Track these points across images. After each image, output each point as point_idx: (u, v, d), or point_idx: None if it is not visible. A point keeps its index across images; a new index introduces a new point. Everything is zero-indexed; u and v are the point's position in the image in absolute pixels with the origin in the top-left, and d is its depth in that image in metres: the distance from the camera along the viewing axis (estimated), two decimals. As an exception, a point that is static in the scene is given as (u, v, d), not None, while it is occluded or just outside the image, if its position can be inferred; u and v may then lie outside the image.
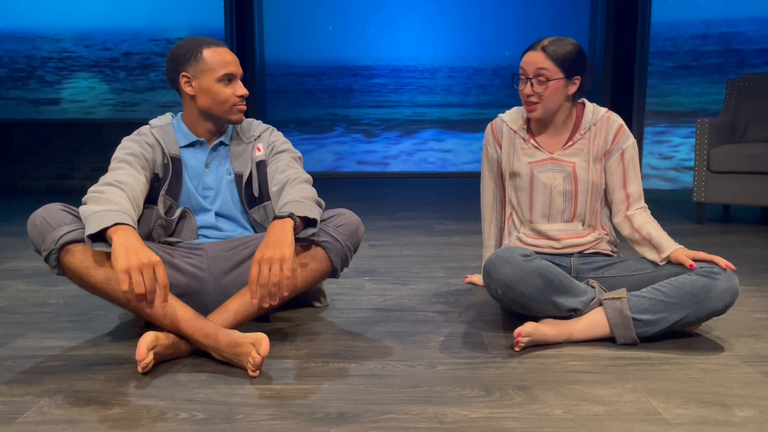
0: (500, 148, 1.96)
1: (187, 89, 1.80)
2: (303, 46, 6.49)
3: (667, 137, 5.85)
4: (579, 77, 1.80)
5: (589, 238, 1.87)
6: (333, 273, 1.79)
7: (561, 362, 1.54)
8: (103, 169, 6.01)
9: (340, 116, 6.61)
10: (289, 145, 1.92)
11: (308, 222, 1.67)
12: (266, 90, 6.56)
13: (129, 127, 6.01)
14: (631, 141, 1.86)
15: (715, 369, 1.50)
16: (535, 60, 1.77)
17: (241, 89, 1.80)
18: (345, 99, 6.59)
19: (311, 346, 1.66)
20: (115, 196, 1.56)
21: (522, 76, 1.81)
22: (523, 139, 1.90)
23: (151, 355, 1.46)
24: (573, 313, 1.68)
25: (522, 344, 1.61)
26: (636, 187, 1.86)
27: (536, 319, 1.71)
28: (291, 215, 1.59)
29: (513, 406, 1.30)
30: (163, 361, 1.53)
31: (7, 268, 2.61)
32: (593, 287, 1.73)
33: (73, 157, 6.02)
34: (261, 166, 1.88)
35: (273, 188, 1.81)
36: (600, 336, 1.66)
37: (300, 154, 1.92)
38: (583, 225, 1.88)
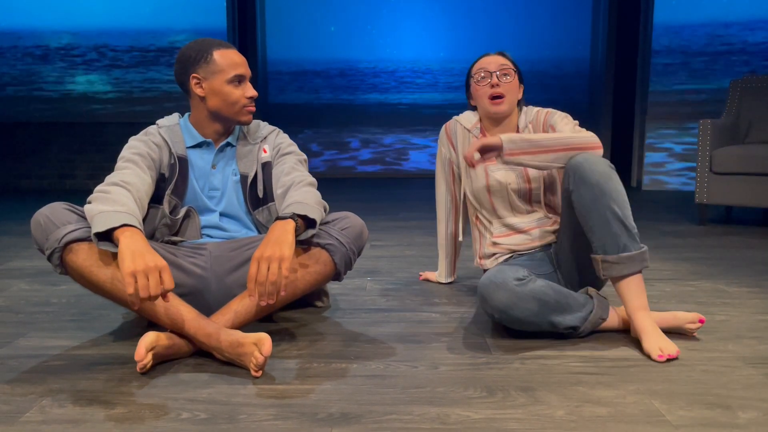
0: (454, 148, 2.06)
1: (198, 90, 1.80)
2: (305, 46, 6.49)
3: (669, 137, 5.84)
4: (523, 86, 2.00)
5: (557, 226, 1.92)
6: (336, 276, 1.79)
7: (563, 363, 1.54)
8: (105, 169, 6.02)
9: (340, 116, 6.61)
10: (294, 147, 1.92)
11: (309, 223, 1.67)
12: (268, 90, 6.57)
13: (131, 126, 6.03)
14: (558, 114, 1.93)
15: (718, 371, 1.50)
16: (496, 60, 1.95)
17: (250, 90, 1.80)
18: (346, 99, 6.59)
19: (314, 346, 1.66)
20: (121, 196, 1.56)
21: (483, 75, 1.93)
22: (477, 138, 1.98)
23: (149, 356, 1.46)
24: (572, 331, 1.67)
25: None
26: (568, 129, 1.89)
27: None
28: (293, 216, 1.59)
29: (515, 407, 1.30)
30: (164, 362, 1.53)
31: (9, 267, 2.61)
32: (591, 296, 1.72)
33: (74, 156, 6.03)
34: (266, 167, 1.88)
35: (278, 190, 1.81)
36: (628, 315, 1.67)
37: (305, 157, 1.93)
38: (548, 216, 1.93)
